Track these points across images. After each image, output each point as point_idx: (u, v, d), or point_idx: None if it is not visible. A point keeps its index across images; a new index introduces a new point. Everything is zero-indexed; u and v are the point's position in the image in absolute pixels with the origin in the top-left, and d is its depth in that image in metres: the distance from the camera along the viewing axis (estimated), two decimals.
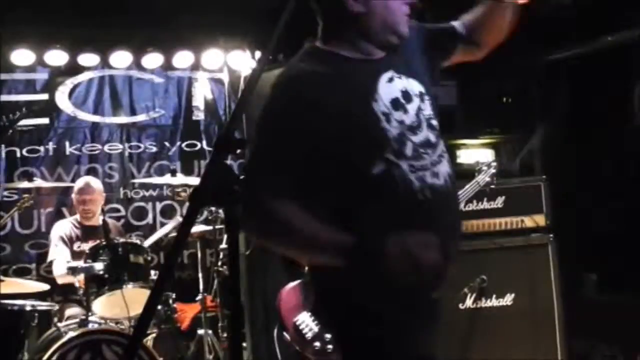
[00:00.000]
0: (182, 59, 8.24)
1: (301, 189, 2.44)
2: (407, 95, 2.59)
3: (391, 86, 2.57)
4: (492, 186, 5.14)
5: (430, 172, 2.54)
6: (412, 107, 2.58)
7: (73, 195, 7.05)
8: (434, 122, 2.64)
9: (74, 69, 8.09)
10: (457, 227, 2.74)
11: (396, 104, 2.55)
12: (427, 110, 2.63)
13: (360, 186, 2.47)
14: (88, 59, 7.98)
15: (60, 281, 6.53)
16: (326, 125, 2.43)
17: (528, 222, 6.16)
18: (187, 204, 7.93)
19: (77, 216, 6.95)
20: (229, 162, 1.88)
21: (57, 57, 7.83)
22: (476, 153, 7.01)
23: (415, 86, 2.63)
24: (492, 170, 5.12)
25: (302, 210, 2.44)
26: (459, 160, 7.07)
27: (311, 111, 2.43)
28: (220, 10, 7.15)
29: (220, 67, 8.44)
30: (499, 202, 6.16)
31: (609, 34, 7.19)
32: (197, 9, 7.10)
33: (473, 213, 6.10)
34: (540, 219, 6.16)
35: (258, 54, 8.17)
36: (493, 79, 7.91)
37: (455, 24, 2.88)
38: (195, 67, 8.40)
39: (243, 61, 8.23)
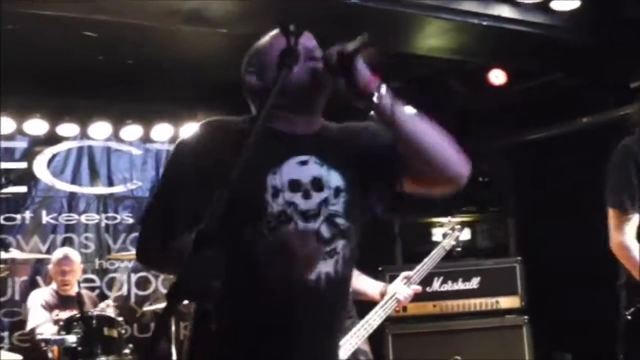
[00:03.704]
0: (161, 131, 8.30)
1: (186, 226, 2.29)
2: (317, 183, 2.52)
3: (301, 169, 2.52)
4: (458, 249, 5.18)
5: None
6: (317, 196, 2.51)
7: (51, 266, 7.06)
8: (339, 220, 2.53)
9: (53, 138, 8.11)
10: (324, 332, 2.59)
11: (295, 185, 2.49)
12: (337, 206, 2.53)
13: (231, 245, 2.23)
14: (67, 129, 8.01)
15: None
16: (217, 180, 2.20)
17: (503, 303, 6.20)
18: (161, 277, 7.96)
19: (54, 285, 6.92)
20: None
21: (36, 126, 7.86)
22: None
23: (333, 179, 2.54)
24: (457, 234, 5.17)
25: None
26: (434, 239, 7.11)
27: (210, 162, 2.41)
28: (198, 84, 7.22)
29: None
30: (474, 282, 6.20)
31: (584, 115, 7.32)
32: (176, 83, 7.17)
33: (448, 293, 6.14)
34: (515, 301, 6.19)
35: None
36: (470, 158, 8.01)
37: None
38: (174, 140, 8.41)
39: None
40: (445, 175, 2.53)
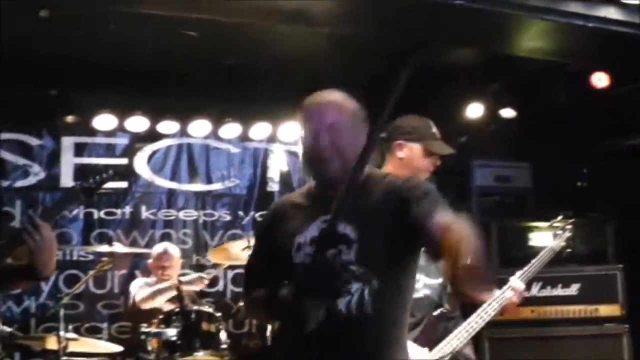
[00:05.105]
0: (260, 130, 8.36)
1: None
2: (330, 238, 2.72)
3: (322, 227, 2.88)
4: (569, 250, 4.88)
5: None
6: (332, 249, 2.83)
7: (150, 261, 7.20)
8: (352, 268, 2.84)
9: (153, 135, 8.25)
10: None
11: (313, 241, 2.90)
12: (349, 256, 2.83)
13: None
14: (167, 126, 8.13)
15: (143, 305, 6.64)
16: (269, 246, 3.11)
17: (602, 311, 6.08)
18: None
19: (154, 278, 7.03)
20: None
21: (137, 123, 8.00)
22: (548, 236, 6.94)
23: (348, 232, 2.85)
24: (568, 234, 4.86)
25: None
26: (530, 243, 7.00)
27: (270, 230, 3.13)
28: (297, 83, 7.24)
29: (296, 140, 8.49)
30: (574, 289, 6.10)
31: None
32: (276, 82, 7.22)
33: (547, 299, 6.05)
34: (615, 309, 6.07)
35: None
36: (569, 162, 7.87)
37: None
38: (272, 138, 8.49)
39: None
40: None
